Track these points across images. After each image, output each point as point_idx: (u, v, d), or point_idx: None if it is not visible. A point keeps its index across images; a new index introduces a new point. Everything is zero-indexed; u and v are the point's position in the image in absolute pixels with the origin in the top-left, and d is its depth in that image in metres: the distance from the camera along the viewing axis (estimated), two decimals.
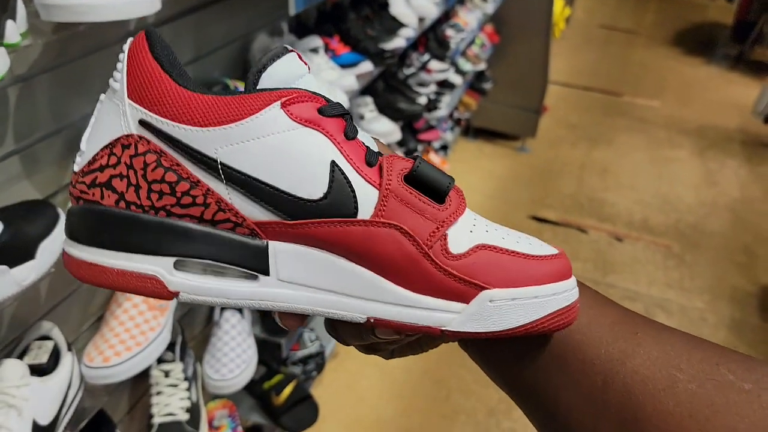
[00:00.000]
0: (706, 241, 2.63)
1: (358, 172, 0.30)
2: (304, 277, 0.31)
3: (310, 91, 0.31)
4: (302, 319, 0.33)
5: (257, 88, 0.30)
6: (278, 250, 0.31)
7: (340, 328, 0.35)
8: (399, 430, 1.67)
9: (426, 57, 2.15)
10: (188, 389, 1.07)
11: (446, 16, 2.38)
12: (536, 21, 2.94)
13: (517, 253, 0.32)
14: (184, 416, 1.03)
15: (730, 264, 2.49)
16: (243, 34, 1.26)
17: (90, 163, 0.30)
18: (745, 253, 2.57)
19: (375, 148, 0.33)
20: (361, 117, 1.69)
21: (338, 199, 0.30)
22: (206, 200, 0.30)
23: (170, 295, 0.30)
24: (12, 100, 0.76)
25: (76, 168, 0.31)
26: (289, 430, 1.44)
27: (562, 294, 0.32)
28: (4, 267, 0.63)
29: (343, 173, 0.30)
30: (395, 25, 1.60)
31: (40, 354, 0.80)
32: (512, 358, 0.35)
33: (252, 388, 1.47)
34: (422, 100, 1.95)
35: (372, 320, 0.31)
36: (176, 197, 0.29)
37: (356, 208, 0.30)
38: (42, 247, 0.69)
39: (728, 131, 3.69)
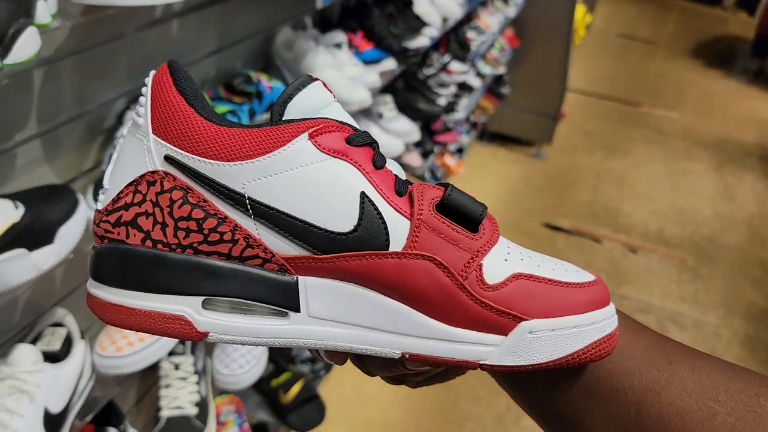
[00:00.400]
0: (721, 255, 2.59)
1: (388, 202, 0.30)
2: (336, 313, 0.30)
3: (337, 120, 0.30)
4: (347, 354, 0.32)
5: (283, 119, 0.29)
6: (309, 286, 0.30)
7: (367, 360, 0.33)
8: None
9: (447, 58, 2.13)
10: (198, 383, 1.06)
11: (468, 18, 2.36)
12: (557, 27, 2.91)
13: (555, 281, 0.31)
14: (193, 410, 1.02)
15: (745, 279, 2.46)
16: (267, 27, 1.25)
17: (114, 201, 0.29)
18: (760, 269, 2.53)
19: (403, 176, 0.32)
20: (380, 115, 1.67)
21: (369, 231, 0.29)
22: (234, 236, 0.29)
23: (199, 336, 0.29)
24: (37, 83, 0.76)
25: (100, 206, 0.30)
26: (296, 429, 1.43)
27: (602, 323, 0.31)
28: (23, 250, 0.62)
29: (373, 204, 0.29)
30: (419, 24, 1.58)
31: (53, 341, 0.79)
32: (541, 386, 0.34)
33: (259, 385, 1.46)
34: (442, 101, 1.93)
35: (407, 356, 0.30)
36: (204, 234, 0.29)
37: (388, 239, 0.29)
38: (61, 231, 0.68)
39: (746, 146, 3.65)
